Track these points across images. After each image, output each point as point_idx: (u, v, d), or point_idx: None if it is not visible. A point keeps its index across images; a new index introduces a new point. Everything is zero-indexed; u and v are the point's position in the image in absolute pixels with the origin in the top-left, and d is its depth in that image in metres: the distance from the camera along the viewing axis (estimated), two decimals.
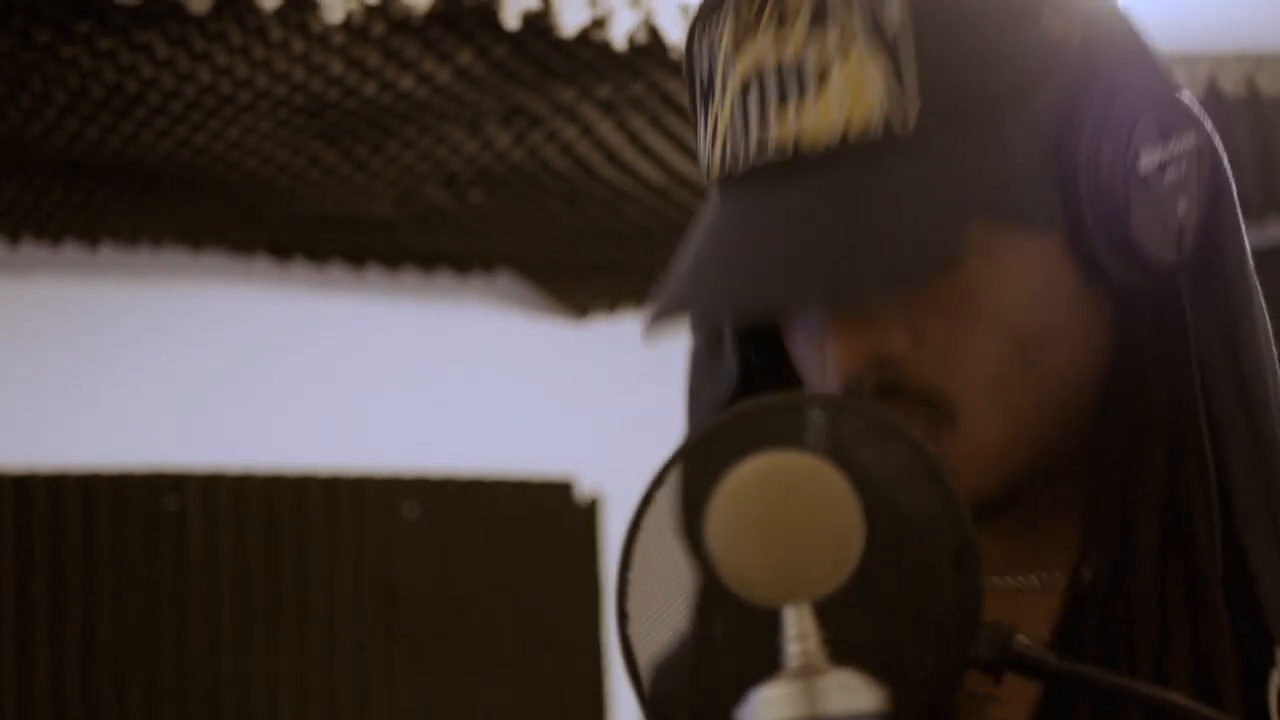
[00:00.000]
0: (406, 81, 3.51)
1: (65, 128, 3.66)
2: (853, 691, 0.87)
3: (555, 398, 5.46)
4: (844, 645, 0.89)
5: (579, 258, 5.13)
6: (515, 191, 4.37)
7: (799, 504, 0.86)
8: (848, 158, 0.97)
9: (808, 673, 0.86)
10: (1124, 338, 1.04)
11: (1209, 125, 1.04)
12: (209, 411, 4.87)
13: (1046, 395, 1.02)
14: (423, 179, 4.22)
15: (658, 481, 0.99)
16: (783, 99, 0.99)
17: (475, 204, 4.46)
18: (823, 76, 0.98)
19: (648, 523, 0.98)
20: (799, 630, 0.86)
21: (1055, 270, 1.01)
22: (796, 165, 0.98)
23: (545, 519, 5.34)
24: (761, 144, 1.00)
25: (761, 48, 1.00)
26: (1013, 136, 0.98)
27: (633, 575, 1.00)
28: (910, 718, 0.96)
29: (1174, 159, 1.01)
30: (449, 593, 5.14)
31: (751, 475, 0.87)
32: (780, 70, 0.99)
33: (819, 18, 0.98)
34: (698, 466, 0.98)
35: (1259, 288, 1.05)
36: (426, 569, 5.11)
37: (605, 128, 3.89)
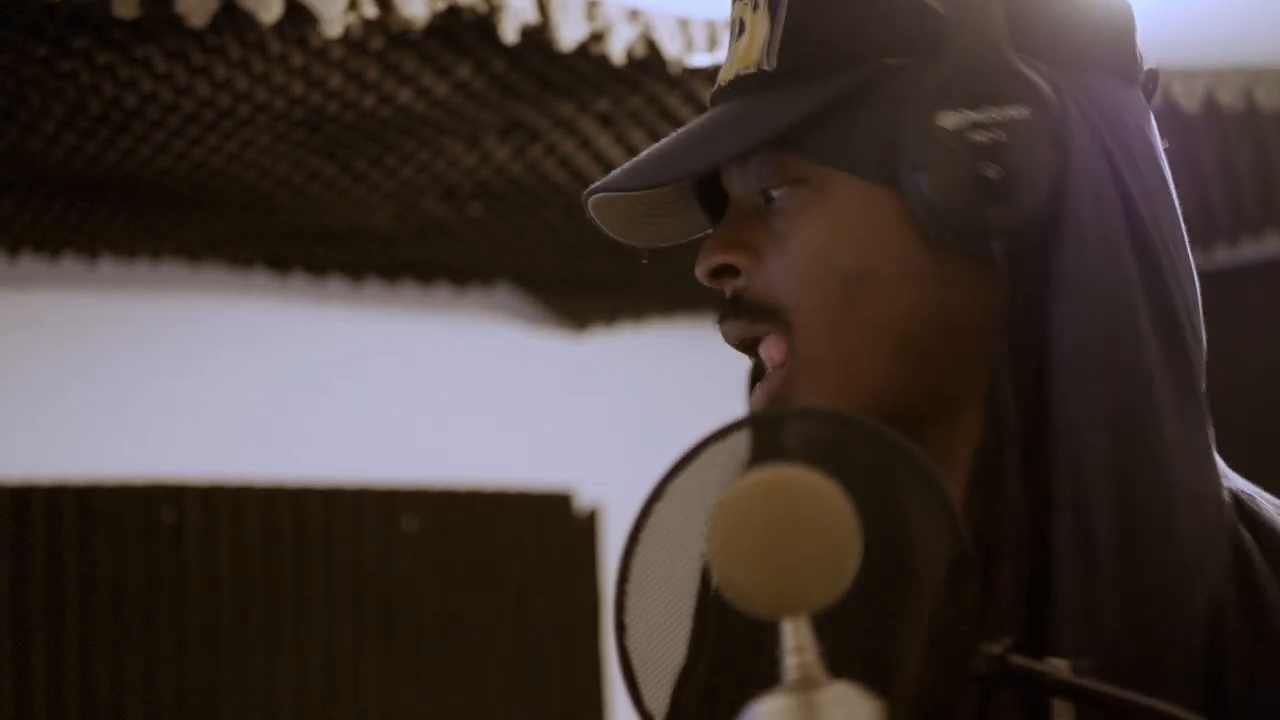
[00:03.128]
0: (405, 95, 3.51)
1: (64, 142, 3.66)
2: (850, 704, 0.87)
3: (554, 410, 5.46)
4: (842, 658, 0.90)
5: (578, 271, 5.14)
6: (514, 205, 4.37)
7: (796, 517, 0.87)
8: (733, 89, 1.19)
9: (806, 686, 0.87)
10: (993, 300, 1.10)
11: (1079, 107, 1.10)
12: (208, 424, 4.87)
13: (875, 332, 1.11)
14: (421, 192, 4.22)
15: (656, 494, 0.99)
16: (732, 43, 1.21)
17: (474, 217, 4.46)
18: (743, 27, 1.18)
19: (646, 535, 0.98)
20: (797, 643, 0.87)
21: (884, 220, 1.10)
22: (718, 93, 1.21)
23: (544, 531, 5.34)
24: (713, 78, 1.22)
25: (735, 5, 1.21)
26: (852, 90, 1.10)
27: (631, 587, 1.00)
28: None
29: (984, 125, 1.06)
30: (448, 604, 5.14)
31: (750, 488, 0.87)
32: (737, 21, 1.20)
33: None
34: (697, 477, 0.98)
35: (1131, 279, 1.09)
36: (425, 580, 5.11)
37: (604, 141, 3.89)
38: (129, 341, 4.82)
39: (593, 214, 1.26)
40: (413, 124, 3.71)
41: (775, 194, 1.16)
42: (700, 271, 1.21)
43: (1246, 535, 1.08)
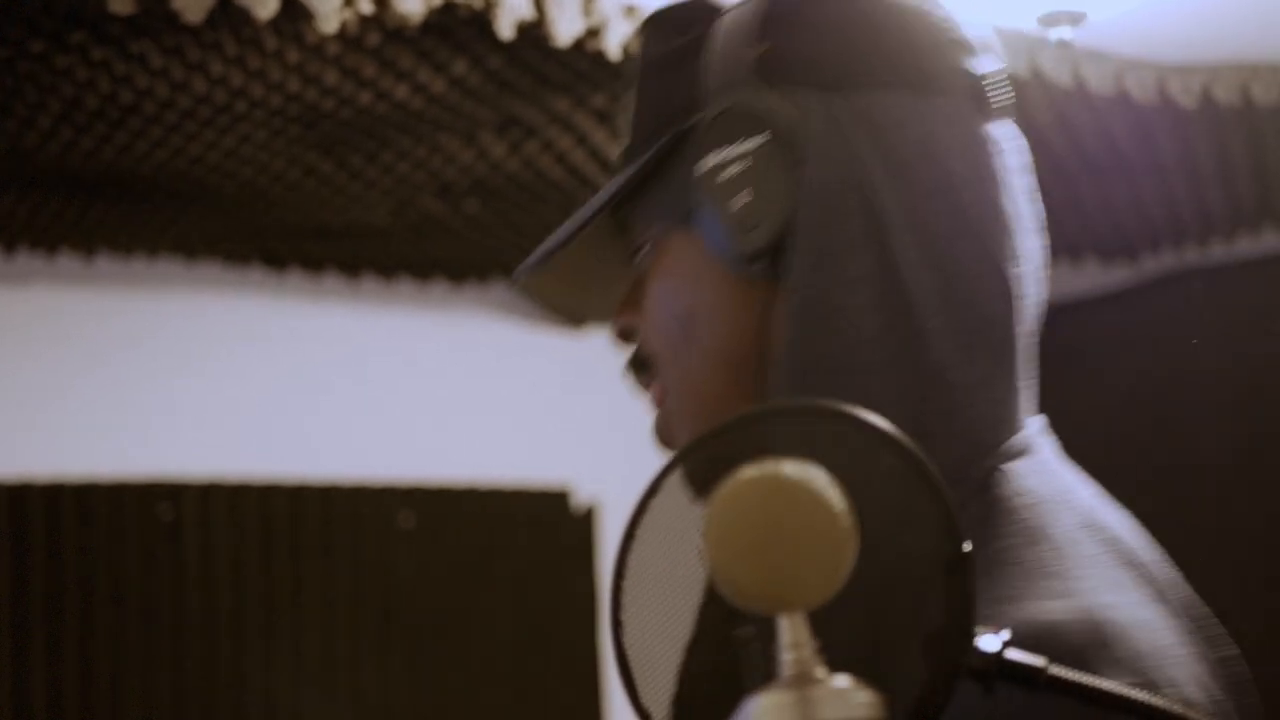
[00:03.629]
0: (401, 91, 3.51)
1: (60, 138, 3.66)
2: (846, 701, 0.87)
3: (551, 407, 5.46)
4: (838, 654, 0.89)
5: None
6: (510, 201, 4.37)
7: (792, 513, 0.87)
8: (616, 166, 1.34)
9: (802, 682, 0.87)
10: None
11: (835, 123, 1.21)
12: (205, 421, 4.87)
13: (714, 360, 1.25)
14: (418, 188, 4.22)
15: (652, 490, 0.99)
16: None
17: (470, 213, 4.46)
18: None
19: (642, 532, 0.98)
20: (793, 639, 0.87)
21: (696, 262, 1.25)
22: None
23: (542, 528, 5.34)
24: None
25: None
26: (659, 156, 1.26)
27: (627, 584, 1.00)
28: None
29: (732, 160, 1.20)
30: (446, 601, 5.14)
31: (745, 484, 0.87)
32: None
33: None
34: (692, 474, 0.98)
35: (848, 278, 1.19)
36: (423, 578, 5.11)
37: (600, 137, 3.90)
38: (126, 338, 4.81)
39: (539, 298, 1.42)
40: (409, 120, 3.71)
41: (638, 257, 1.32)
42: (613, 338, 1.36)
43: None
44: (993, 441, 1.19)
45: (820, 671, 0.88)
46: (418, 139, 3.85)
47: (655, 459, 1.06)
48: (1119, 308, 5.70)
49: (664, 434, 1.30)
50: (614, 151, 3.95)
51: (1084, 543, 1.14)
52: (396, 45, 3.28)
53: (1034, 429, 1.25)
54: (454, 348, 5.35)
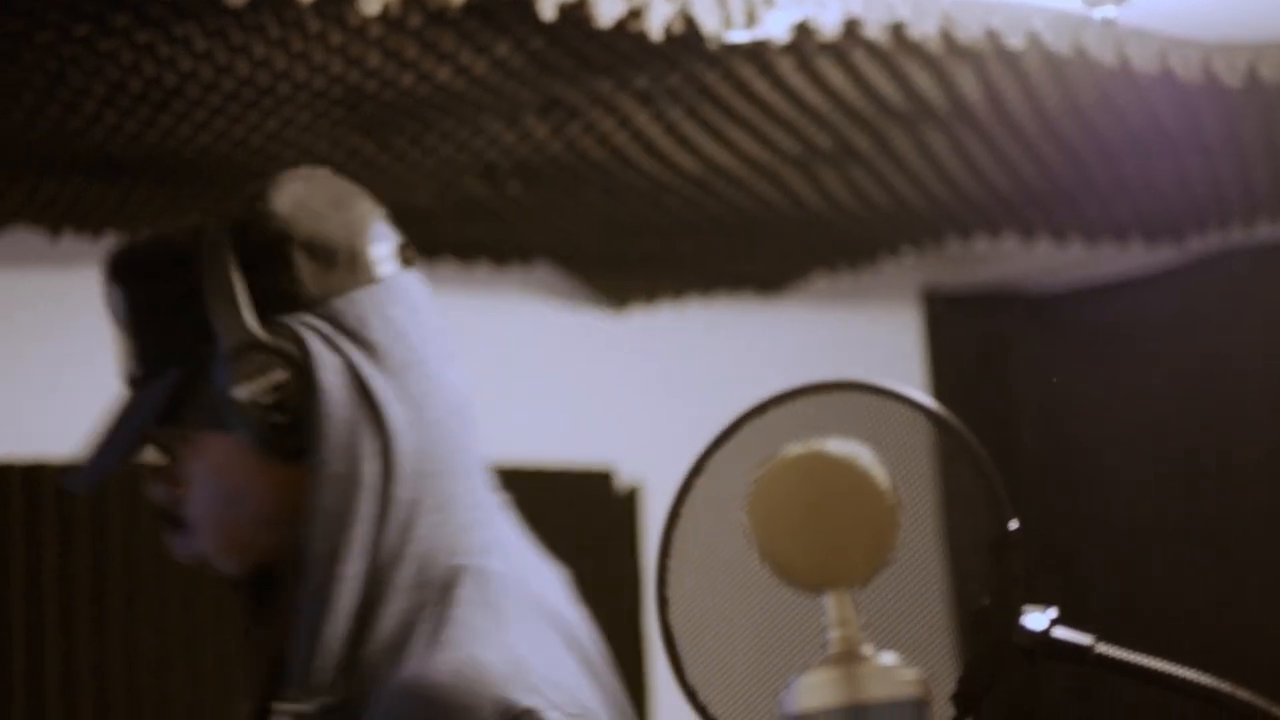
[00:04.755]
0: (444, 73, 3.51)
1: (104, 121, 3.67)
2: (892, 678, 0.87)
3: (594, 388, 5.46)
4: (884, 632, 0.90)
5: (617, 249, 5.14)
6: (553, 183, 4.37)
7: (838, 492, 0.87)
8: (129, 387, 1.68)
9: (848, 659, 0.87)
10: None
11: (320, 334, 1.57)
12: None
13: (251, 523, 1.61)
14: (461, 170, 4.22)
15: (696, 469, 0.99)
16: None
17: (513, 195, 4.46)
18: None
19: (687, 510, 0.99)
20: (839, 616, 0.87)
21: (237, 454, 1.58)
22: (129, 381, 1.68)
23: (585, 508, 5.34)
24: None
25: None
26: (183, 380, 1.59)
27: (673, 562, 1.00)
28: (949, 705, 0.96)
29: (261, 388, 1.54)
30: None
31: (790, 463, 0.87)
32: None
33: None
34: (736, 454, 0.98)
35: (357, 450, 1.56)
36: None
37: (642, 119, 3.89)
38: None
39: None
40: (451, 102, 3.71)
41: (166, 448, 1.66)
42: (150, 497, 1.69)
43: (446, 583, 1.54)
44: (465, 545, 1.58)
45: (866, 649, 0.88)
46: (460, 121, 3.85)
47: (698, 441, 1.06)
48: (1165, 288, 5.68)
49: (198, 560, 1.68)
50: (659, 130, 3.95)
51: (524, 612, 1.57)
52: (439, 27, 3.28)
53: (499, 525, 1.71)
54: (497, 329, 5.36)
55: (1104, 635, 1.00)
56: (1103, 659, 0.96)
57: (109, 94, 3.51)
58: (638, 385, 5.53)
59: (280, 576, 1.62)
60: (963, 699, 0.96)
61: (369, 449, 1.55)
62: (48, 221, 4.51)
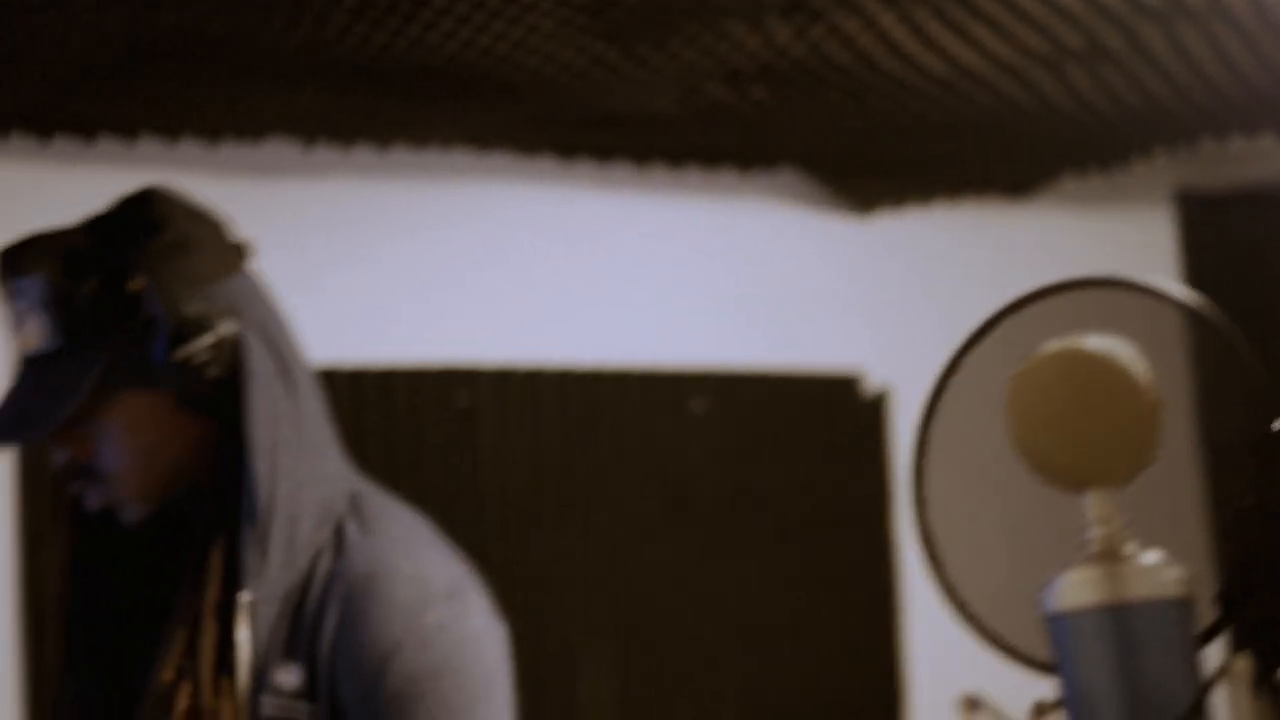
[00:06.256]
0: None
1: (354, 32, 3.72)
2: (1155, 578, 0.86)
3: (841, 293, 5.44)
4: (1145, 532, 0.88)
5: (863, 153, 5.09)
6: (797, 87, 4.34)
7: (1099, 389, 0.85)
8: (29, 363, 1.96)
9: (1109, 558, 0.86)
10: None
11: (241, 320, 1.96)
12: (499, 308, 4.95)
13: (166, 470, 1.96)
14: (705, 76, 4.21)
15: (952, 367, 0.98)
16: (17, 332, 2.00)
17: (757, 100, 4.45)
18: (20, 320, 1.98)
19: (943, 408, 0.98)
20: (1100, 515, 0.86)
21: (159, 410, 1.93)
22: (22, 364, 1.96)
23: (832, 413, 5.33)
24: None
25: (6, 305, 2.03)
26: (115, 347, 1.92)
27: (929, 461, 1.00)
28: (1208, 606, 0.94)
29: (200, 349, 1.89)
30: (737, 485, 5.17)
31: (1051, 358, 0.86)
32: (13, 317, 2.01)
33: None
34: (991, 353, 0.97)
35: (277, 391, 1.97)
36: (714, 462, 5.15)
37: (888, 20, 3.85)
38: (419, 229, 4.90)
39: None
40: (696, 6, 3.70)
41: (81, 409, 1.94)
42: (57, 461, 1.99)
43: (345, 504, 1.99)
44: (351, 476, 2.02)
45: (1129, 548, 0.87)
46: (704, 25, 3.84)
47: (944, 345, 1.05)
48: None
49: (109, 507, 1.99)
50: (905, 32, 3.90)
51: (410, 517, 2.02)
52: None
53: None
54: (743, 235, 5.35)
55: None
56: None
57: (359, 5, 3.55)
58: (884, 291, 5.50)
59: (184, 510, 1.99)
60: (1227, 601, 0.95)
61: (282, 394, 1.94)
62: (301, 133, 4.59)
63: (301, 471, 1.94)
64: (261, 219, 4.90)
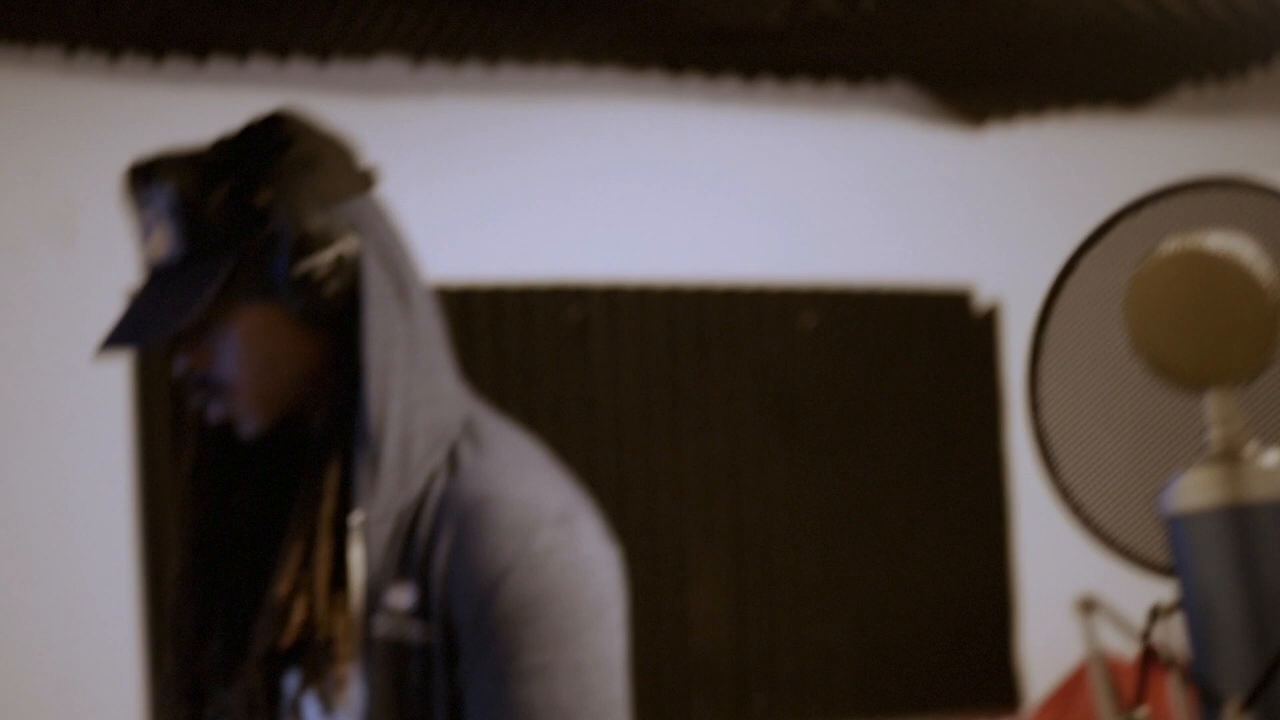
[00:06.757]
0: None
1: None
2: (1275, 479, 0.84)
3: (952, 207, 5.40)
4: (1267, 433, 0.87)
5: (974, 65, 5.04)
6: None
7: (1220, 288, 0.84)
8: (159, 271, 1.98)
9: (1230, 459, 0.84)
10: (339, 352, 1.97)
11: (358, 226, 1.96)
12: (609, 225, 4.95)
13: (284, 384, 1.97)
14: None
15: (1068, 268, 0.97)
16: (145, 242, 2.02)
17: (867, 12, 4.41)
18: (149, 230, 2.00)
19: (1058, 311, 0.97)
20: (1220, 414, 0.84)
21: (277, 322, 1.94)
22: (151, 273, 1.97)
23: (943, 327, 5.31)
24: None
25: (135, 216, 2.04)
26: (239, 258, 1.93)
27: (1043, 364, 0.99)
28: None
29: (320, 265, 1.91)
30: (847, 401, 5.17)
31: (1170, 257, 0.85)
32: (143, 227, 2.02)
33: None
34: (1107, 255, 0.96)
35: (394, 312, 1.97)
36: (824, 378, 5.15)
37: None
38: (529, 146, 4.90)
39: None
40: None
41: (201, 318, 1.96)
42: (177, 370, 2.00)
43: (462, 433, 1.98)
44: (465, 399, 2.01)
45: (1250, 448, 0.85)
46: None
47: (1056, 259, 1.04)
48: None
49: (227, 420, 2.00)
50: None
51: (526, 442, 2.00)
52: None
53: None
54: (852, 150, 5.32)
55: None
56: None
57: None
58: (996, 204, 5.45)
59: (304, 425, 2.01)
60: None
61: (399, 316, 1.97)
62: (410, 51, 4.60)
63: (415, 393, 1.96)
64: (371, 137, 4.93)
